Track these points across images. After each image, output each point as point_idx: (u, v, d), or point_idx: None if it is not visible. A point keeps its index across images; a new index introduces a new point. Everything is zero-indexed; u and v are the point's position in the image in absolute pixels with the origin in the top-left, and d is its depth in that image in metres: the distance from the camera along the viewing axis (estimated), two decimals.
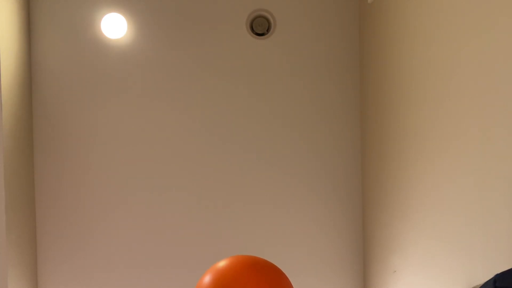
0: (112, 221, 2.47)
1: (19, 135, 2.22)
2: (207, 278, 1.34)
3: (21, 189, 2.23)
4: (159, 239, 2.49)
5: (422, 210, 1.82)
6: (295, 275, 1.62)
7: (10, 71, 2.13)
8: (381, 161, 2.25)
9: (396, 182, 2.07)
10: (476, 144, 1.42)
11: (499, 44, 1.29)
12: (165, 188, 2.49)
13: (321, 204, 2.56)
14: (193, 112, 2.50)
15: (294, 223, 2.54)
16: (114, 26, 2.40)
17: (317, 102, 2.53)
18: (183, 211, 2.50)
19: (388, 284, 2.19)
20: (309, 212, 2.55)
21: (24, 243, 2.26)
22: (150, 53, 2.46)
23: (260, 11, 2.48)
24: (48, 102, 2.42)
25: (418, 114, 1.83)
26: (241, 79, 2.51)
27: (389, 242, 2.17)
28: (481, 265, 1.38)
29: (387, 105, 2.16)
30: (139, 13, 2.43)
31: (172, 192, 2.50)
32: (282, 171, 2.54)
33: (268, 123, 2.53)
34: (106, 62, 2.43)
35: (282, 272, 1.41)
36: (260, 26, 2.50)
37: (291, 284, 1.40)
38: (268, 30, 2.50)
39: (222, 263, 1.39)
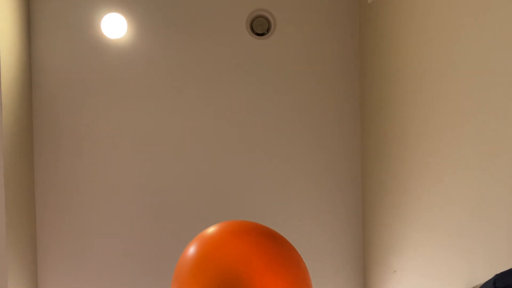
0: (112, 221, 2.47)
1: (19, 135, 2.22)
2: (192, 247, 1.28)
3: (21, 189, 2.23)
4: (160, 239, 2.49)
5: (422, 210, 1.82)
6: None
7: (10, 71, 2.13)
8: (381, 160, 2.25)
9: (396, 182, 2.07)
10: (476, 144, 1.42)
11: (499, 44, 1.29)
12: (166, 188, 2.49)
13: (321, 204, 2.55)
14: (193, 112, 2.50)
15: (294, 223, 2.54)
16: (114, 26, 2.40)
17: (317, 102, 2.53)
18: (184, 211, 2.50)
19: (388, 284, 2.19)
20: (309, 211, 2.55)
21: (24, 243, 2.26)
22: (150, 53, 2.46)
23: (260, 11, 2.48)
24: (48, 102, 2.42)
25: (418, 114, 1.83)
26: (241, 79, 2.51)
27: (389, 242, 2.17)
28: (481, 265, 1.38)
29: (387, 104, 2.16)
30: (139, 13, 2.43)
31: (174, 192, 2.49)
32: (281, 171, 2.54)
33: (268, 123, 2.53)
34: (106, 62, 2.43)
35: (275, 235, 1.33)
36: (260, 26, 2.50)
37: (288, 248, 1.32)
38: (268, 30, 2.50)
39: (208, 230, 1.33)
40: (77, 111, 2.44)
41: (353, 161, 2.55)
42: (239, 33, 2.49)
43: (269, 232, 1.32)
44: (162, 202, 2.49)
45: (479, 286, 1.23)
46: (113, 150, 2.46)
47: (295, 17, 2.50)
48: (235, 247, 1.19)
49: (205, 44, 2.48)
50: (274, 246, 1.27)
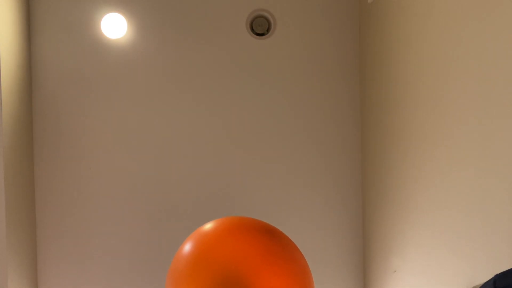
0: (113, 221, 2.47)
1: (19, 135, 2.22)
2: (187, 245, 1.23)
3: (21, 189, 2.23)
4: (161, 239, 2.49)
5: (422, 210, 1.82)
6: None
7: (10, 71, 2.13)
8: (381, 160, 2.25)
9: (396, 182, 2.07)
10: (476, 143, 1.42)
11: (500, 43, 1.29)
12: (167, 188, 2.49)
13: (321, 204, 2.55)
14: (193, 112, 2.50)
15: (293, 223, 2.54)
16: (114, 26, 2.40)
17: (317, 102, 2.53)
18: (186, 210, 2.50)
19: (388, 284, 2.19)
20: (309, 211, 2.55)
21: (24, 243, 2.26)
22: (150, 53, 2.46)
23: (260, 11, 2.48)
24: (48, 102, 2.41)
25: (418, 114, 1.83)
26: (241, 79, 2.51)
27: (389, 242, 2.17)
28: (481, 265, 1.38)
29: (387, 104, 2.16)
30: (139, 13, 2.43)
31: (174, 192, 2.49)
32: (280, 172, 2.54)
33: (267, 123, 2.53)
34: (106, 62, 2.43)
35: (272, 230, 1.27)
36: (260, 26, 2.50)
37: (288, 244, 1.27)
38: (268, 30, 2.50)
39: (204, 227, 1.28)
40: (77, 111, 2.44)
41: (353, 161, 2.55)
42: (239, 33, 2.49)
43: (267, 228, 1.28)
44: (162, 202, 2.49)
45: (479, 286, 1.23)
46: (113, 149, 2.46)
47: (295, 17, 2.50)
48: (233, 245, 1.15)
49: (205, 44, 2.48)
50: (273, 242, 1.22)
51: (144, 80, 2.46)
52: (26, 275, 2.28)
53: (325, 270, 2.55)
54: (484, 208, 1.37)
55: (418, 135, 1.84)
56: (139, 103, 2.47)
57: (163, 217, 2.50)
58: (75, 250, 2.45)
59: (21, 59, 2.27)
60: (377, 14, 2.26)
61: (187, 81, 2.48)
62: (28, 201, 2.33)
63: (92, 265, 2.46)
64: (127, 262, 2.48)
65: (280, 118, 2.53)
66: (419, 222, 1.85)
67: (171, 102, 2.48)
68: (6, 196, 2.02)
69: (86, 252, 2.46)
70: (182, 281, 1.18)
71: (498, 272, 1.08)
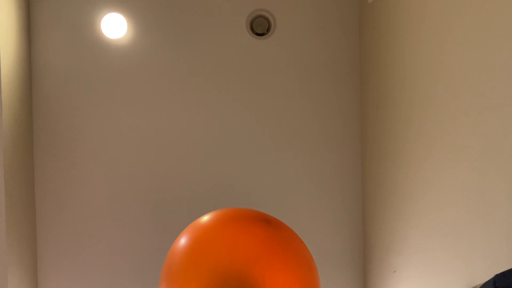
0: (113, 220, 2.47)
1: (19, 135, 2.22)
2: (183, 238, 1.10)
3: (21, 189, 2.23)
4: (161, 238, 2.49)
5: (422, 210, 1.82)
6: None
7: (10, 71, 2.13)
8: (381, 160, 2.25)
9: (396, 182, 2.07)
10: (476, 143, 1.42)
11: (500, 43, 1.29)
12: (167, 187, 2.49)
13: (321, 204, 2.55)
14: (193, 112, 2.50)
15: (293, 223, 2.54)
16: (114, 26, 2.40)
17: (317, 102, 2.53)
18: (186, 209, 2.50)
19: (388, 284, 2.19)
20: (309, 211, 2.55)
21: (24, 243, 2.26)
22: (150, 53, 2.46)
23: (260, 11, 2.48)
24: (48, 102, 2.42)
25: (418, 114, 1.83)
26: (241, 79, 2.51)
27: (389, 242, 2.17)
28: (481, 265, 1.38)
29: (387, 104, 2.16)
30: (139, 13, 2.43)
31: (175, 192, 2.49)
32: (280, 172, 2.54)
33: (267, 124, 2.53)
34: (106, 62, 2.43)
35: (274, 220, 1.15)
36: (260, 26, 2.50)
37: (290, 233, 1.16)
38: (268, 30, 2.50)
39: (202, 220, 1.15)
40: (77, 111, 2.44)
41: (353, 161, 2.55)
42: (239, 33, 2.49)
43: (267, 218, 1.18)
44: (163, 201, 2.49)
45: (479, 286, 1.23)
46: (113, 149, 2.46)
47: (295, 17, 2.50)
48: (232, 237, 1.05)
49: (205, 44, 2.48)
50: (276, 233, 1.13)
51: (144, 79, 2.46)
52: (26, 275, 2.28)
53: (325, 270, 2.55)
54: (484, 208, 1.37)
55: (418, 135, 1.84)
56: (139, 102, 2.47)
57: (164, 217, 2.50)
58: (75, 250, 2.45)
59: (21, 59, 2.27)
60: (377, 14, 2.26)
61: (187, 80, 2.48)
62: (28, 201, 2.33)
63: (92, 265, 2.46)
64: (127, 262, 2.48)
65: (279, 118, 2.53)
66: (419, 222, 1.86)
67: (171, 101, 2.48)
68: (6, 196, 2.02)
69: (86, 251, 2.46)
70: (176, 279, 1.09)
71: (498, 272, 1.08)
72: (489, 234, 1.35)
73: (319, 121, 2.53)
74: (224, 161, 2.52)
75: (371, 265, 2.44)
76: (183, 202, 2.51)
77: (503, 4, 1.26)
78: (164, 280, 1.20)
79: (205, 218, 1.16)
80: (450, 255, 1.60)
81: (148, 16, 2.44)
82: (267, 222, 1.15)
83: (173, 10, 2.46)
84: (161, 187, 2.49)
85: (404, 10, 1.95)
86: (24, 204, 2.28)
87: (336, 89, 2.53)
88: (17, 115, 2.20)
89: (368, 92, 2.42)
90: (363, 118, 2.50)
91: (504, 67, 1.27)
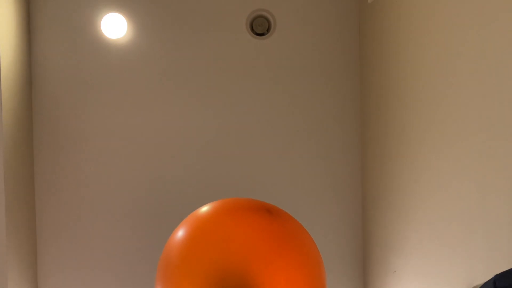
0: (113, 221, 2.47)
1: (19, 135, 2.22)
2: (180, 230, 1.00)
3: (21, 189, 2.23)
4: (162, 238, 2.49)
5: (422, 210, 1.82)
6: None
7: (10, 71, 2.13)
8: (381, 161, 2.25)
9: (396, 182, 2.07)
10: (476, 144, 1.42)
11: (500, 43, 1.29)
12: (168, 188, 2.49)
13: (321, 204, 2.55)
14: (193, 112, 2.50)
15: None
16: (114, 26, 2.40)
17: (317, 102, 2.53)
18: (187, 210, 2.50)
19: (388, 284, 2.19)
20: (309, 212, 2.55)
21: (24, 243, 2.26)
22: (150, 53, 2.46)
23: (260, 11, 2.48)
24: (48, 102, 2.41)
25: (418, 114, 1.83)
26: (241, 79, 2.51)
27: (389, 242, 2.17)
28: (481, 265, 1.38)
29: (387, 104, 2.16)
30: (139, 13, 2.43)
31: (175, 192, 2.49)
32: (279, 172, 2.54)
33: (267, 124, 2.53)
34: (106, 62, 2.43)
35: (278, 210, 1.03)
36: (260, 26, 2.50)
37: (295, 224, 1.03)
38: (268, 30, 2.50)
39: (200, 211, 1.05)
40: (77, 111, 2.44)
41: (353, 161, 2.55)
42: (239, 33, 2.48)
43: (270, 208, 1.05)
44: (163, 202, 2.49)
45: (479, 286, 1.23)
46: (113, 149, 2.46)
47: (295, 17, 2.50)
48: (232, 228, 0.93)
49: (205, 44, 2.48)
50: (279, 224, 1.00)
51: (144, 79, 2.46)
52: (26, 275, 2.28)
53: (325, 270, 2.55)
54: (484, 208, 1.37)
55: (418, 135, 1.84)
56: (139, 102, 2.47)
57: (164, 218, 2.50)
58: (75, 250, 2.45)
59: (21, 59, 2.27)
60: (377, 14, 2.26)
61: (187, 80, 2.48)
62: (28, 201, 2.33)
63: (92, 265, 2.46)
64: (127, 262, 2.48)
65: (279, 118, 2.52)
66: (419, 222, 1.85)
67: (171, 101, 2.48)
68: (6, 196, 2.02)
69: (86, 252, 2.46)
70: (173, 273, 0.99)
71: (498, 272, 1.08)
72: (489, 234, 1.35)
73: (319, 121, 2.53)
74: (224, 161, 2.52)
75: (371, 265, 2.44)
76: (184, 202, 2.50)
77: (504, 3, 1.26)
78: (159, 279, 1.13)
79: (206, 208, 1.10)
80: (450, 255, 1.60)
81: (148, 16, 2.44)
82: (268, 212, 1.07)
83: (173, 10, 2.46)
84: (162, 187, 2.49)
85: (404, 10, 1.95)
86: (24, 204, 2.28)
87: (336, 89, 2.53)
88: (17, 115, 2.20)
89: (368, 92, 2.42)
90: (363, 118, 2.49)
91: (506, 67, 1.26)
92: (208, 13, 2.47)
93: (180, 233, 0.99)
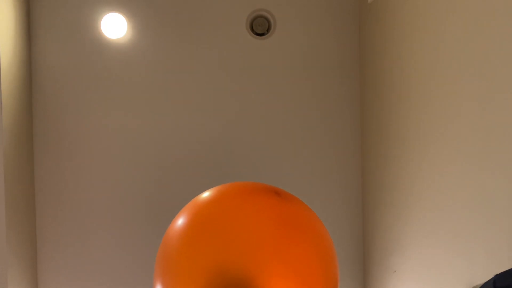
0: (113, 221, 2.47)
1: (19, 135, 2.22)
2: (180, 218, 0.90)
3: (21, 189, 2.23)
4: (161, 239, 2.49)
5: (423, 210, 1.82)
6: None
7: (10, 71, 2.13)
8: (381, 161, 2.25)
9: (396, 182, 2.07)
10: (476, 144, 1.42)
11: (500, 43, 1.29)
12: (167, 188, 2.49)
13: (321, 204, 2.55)
14: (193, 112, 2.50)
15: None
16: (114, 26, 2.40)
17: (317, 102, 2.53)
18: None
19: (388, 284, 2.19)
20: None
21: (24, 243, 2.26)
22: (150, 53, 2.46)
23: (260, 11, 2.48)
24: (48, 102, 2.41)
25: (418, 114, 1.83)
26: (241, 79, 2.51)
27: (389, 242, 2.17)
28: (481, 265, 1.38)
29: (387, 104, 2.16)
30: (139, 13, 2.43)
31: (175, 192, 2.49)
32: (279, 172, 2.54)
33: (267, 124, 2.53)
34: (106, 62, 2.43)
35: (286, 194, 0.92)
36: (260, 26, 2.50)
37: (304, 207, 0.92)
38: (268, 30, 2.50)
39: (201, 196, 0.94)
40: (77, 111, 2.44)
41: (353, 161, 2.55)
42: (239, 33, 2.48)
43: (278, 191, 0.95)
44: (163, 201, 2.49)
45: (479, 286, 1.23)
46: (113, 149, 2.46)
47: (295, 17, 2.50)
48: (238, 213, 0.78)
49: (205, 44, 2.48)
50: (289, 208, 0.86)
51: (144, 79, 2.46)
52: (26, 275, 2.28)
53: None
54: (484, 208, 1.37)
55: (418, 134, 1.84)
56: (139, 102, 2.47)
57: (165, 218, 2.49)
58: (75, 251, 2.45)
59: (21, 59, 2.27)
60: (377, 14, 2.26)
61: (187, 80, 2.48)
62: (28, 201, 2.33)
63: (92, 265, 2.46)
64: (127, 262, 2.48)
65: (279, 118, 2.52)
66: (419, 222, 1.85)
67: (171, 101, 2.48)
68: (6, 197, 2.02)
69: (86, 252, 2.46)
70: (171, 268, 0.90)
71: (498, 272, 1.08)
72: (489, 234, 1.35)
73: (318, 121, 2.53)
74: (223, 161, 2.52)
75: (371, 265, 2.44)
76: (185, 203, 2.50)
77: (503, 4, 1.26)
78: (158, 274, 1.06)
79: (207, 193, 0.99)
80: (450, 255, 1.60)
81: (148, 16, 2.44)
82: (277, 194, 0.94)
83: (173, 10, 2.46)
84: (162, 187, 2.49)
85: (404, 10, 1.95)
86: (24, 204, 2.28)
87: (336, 89, 2.53)
88: (17, 115, 2.20)
89: (368, 92, 2.42)
90: (363, 117, 2.49)
91: (504, 67, 1.27)
92: (208, 13, 2.47)
93: (180, 221, 0.90)
